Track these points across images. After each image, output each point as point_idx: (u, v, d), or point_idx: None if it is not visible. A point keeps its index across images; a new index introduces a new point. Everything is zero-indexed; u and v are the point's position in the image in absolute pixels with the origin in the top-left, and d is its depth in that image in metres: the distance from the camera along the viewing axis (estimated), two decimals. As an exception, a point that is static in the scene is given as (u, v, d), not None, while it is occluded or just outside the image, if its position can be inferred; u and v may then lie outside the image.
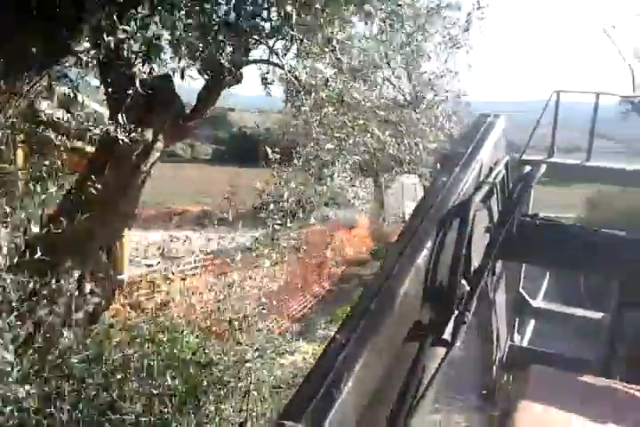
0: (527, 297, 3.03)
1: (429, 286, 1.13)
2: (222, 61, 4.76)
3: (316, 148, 4.86)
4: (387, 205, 17.88)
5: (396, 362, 1.00)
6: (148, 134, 4.46)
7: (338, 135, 4.89)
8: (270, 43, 5.28)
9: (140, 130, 4.21)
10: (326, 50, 5.39)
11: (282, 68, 4.92)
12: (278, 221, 5.08)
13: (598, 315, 2.64)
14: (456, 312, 1.15)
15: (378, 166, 15.44)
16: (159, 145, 4.68)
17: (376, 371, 0.93)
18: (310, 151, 4.86)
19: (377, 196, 17.47)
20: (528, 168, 1.54)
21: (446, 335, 1.11)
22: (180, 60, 3.88)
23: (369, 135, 5.05)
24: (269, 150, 4.92)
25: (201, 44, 4.90)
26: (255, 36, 5.26)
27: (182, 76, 3.97)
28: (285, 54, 5.52)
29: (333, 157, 4.90)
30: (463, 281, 1.22)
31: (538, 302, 3.18)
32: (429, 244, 1.12)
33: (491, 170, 1.45)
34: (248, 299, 4.91)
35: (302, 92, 4.84)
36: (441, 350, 1.12)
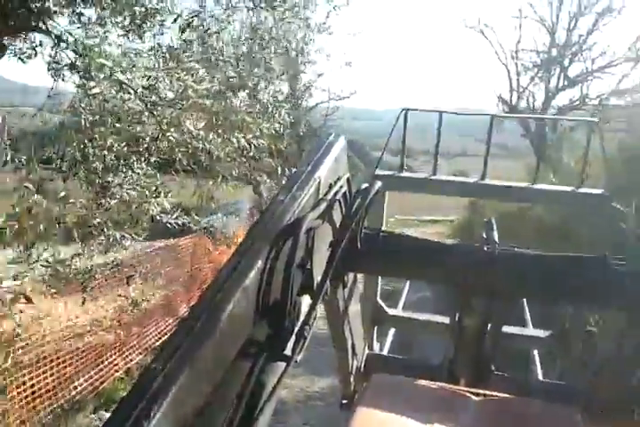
0: (384, 306, 3.21)
1: (263, 304, 1.09)
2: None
3: (93, 145, 3.52)
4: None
5: (226, 381, 0.96)
6: None
7: (129, 129, 3.61)
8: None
9: None
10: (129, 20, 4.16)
11: (52, 36, 3.58)
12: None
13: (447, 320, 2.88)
14: (297, 327, 1.15)
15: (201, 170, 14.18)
16: None
17: (200, 392, 0.88)
18: (85, 151, 3.52)
19: (257, 204, 15.96)
20: (365, 185, 1.61)
21: (287, 351, 1.10)
22: None
23: (172, 129, 3.81)
24: (9, 152, 3.48)
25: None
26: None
27: None
28: (74, 22, 4.25)
29: (119, 158, 3.58)
30: (306, 296, 1.24)
31: (395, 311, 3.36)
32: (260, 263, 1.08)
33: (330, 187, 1.49)
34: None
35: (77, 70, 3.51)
36: (280, 366, 1.09)
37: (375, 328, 3.23)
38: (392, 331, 3.51)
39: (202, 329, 0.92)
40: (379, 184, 1.61)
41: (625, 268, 1.47)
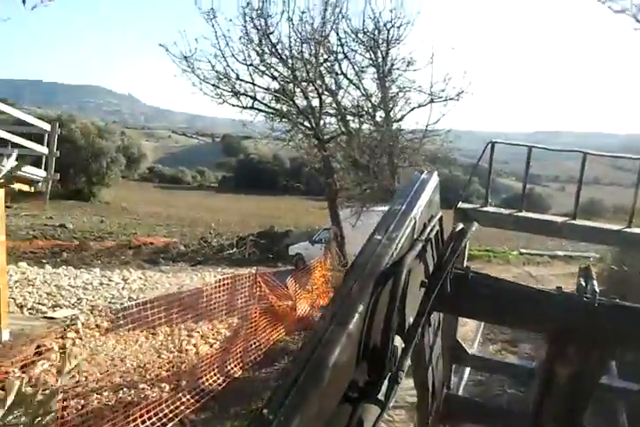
0: (464, 345, 3.13)
1: (363, 349, 1.12)
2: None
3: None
4: (353, 240, 12.73)
5: (332, 425, 1.01)
6: None
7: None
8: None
9: None
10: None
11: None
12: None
13: (531, 364, 2.81)
14: (390, 373, 1.15)
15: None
16: None
17: None
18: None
19: (334, 228, 13.25)
20: (461, 226, 1.64)
21: (380, 396, 1.13)
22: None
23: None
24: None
25: None
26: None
27: None
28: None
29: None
30: (397, 339, 1.21)
31: (475, 351, 3.34)
32: (362, 307, 1.11)
33: (424, 227, 1.51)
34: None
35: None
36: (375, 411, 1.14)
37: (453, 367, 3.19)
38: (467, 371, 3.51)
39: (307, 382, 0.93)
40: (475, 227, 1.60)
41: None
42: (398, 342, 1.19)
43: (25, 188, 10.91)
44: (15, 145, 11.45)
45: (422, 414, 2.28)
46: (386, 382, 1.12)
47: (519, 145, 3.29)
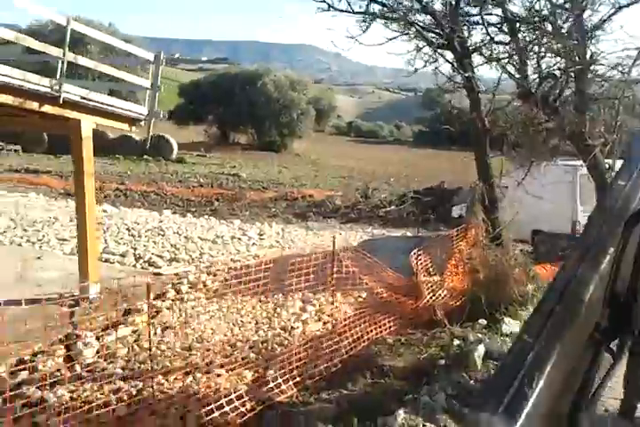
0: None
1: (609, 293, 1.11)
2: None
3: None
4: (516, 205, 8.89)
5: (577, 364, 1.02)
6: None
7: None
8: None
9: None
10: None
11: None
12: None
13: None
14: (629, 326, 1.13)
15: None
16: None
17: (562, 371, 0.94)
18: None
19: (479, 187, 9.24)
20: None
21: (613, 346, 1.11)
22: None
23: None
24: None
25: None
26: None
27: None
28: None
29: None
30: None
31: None
32: (611, 249, 1.10)
33: None
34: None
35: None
36: (607, 362, 1.09)
37: None
38: None
39: (563, 313, 0.95)
40: None
41: None
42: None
43: (124, 126, 9.60)
44: (112, 78, 10.33)
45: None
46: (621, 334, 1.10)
47: None
